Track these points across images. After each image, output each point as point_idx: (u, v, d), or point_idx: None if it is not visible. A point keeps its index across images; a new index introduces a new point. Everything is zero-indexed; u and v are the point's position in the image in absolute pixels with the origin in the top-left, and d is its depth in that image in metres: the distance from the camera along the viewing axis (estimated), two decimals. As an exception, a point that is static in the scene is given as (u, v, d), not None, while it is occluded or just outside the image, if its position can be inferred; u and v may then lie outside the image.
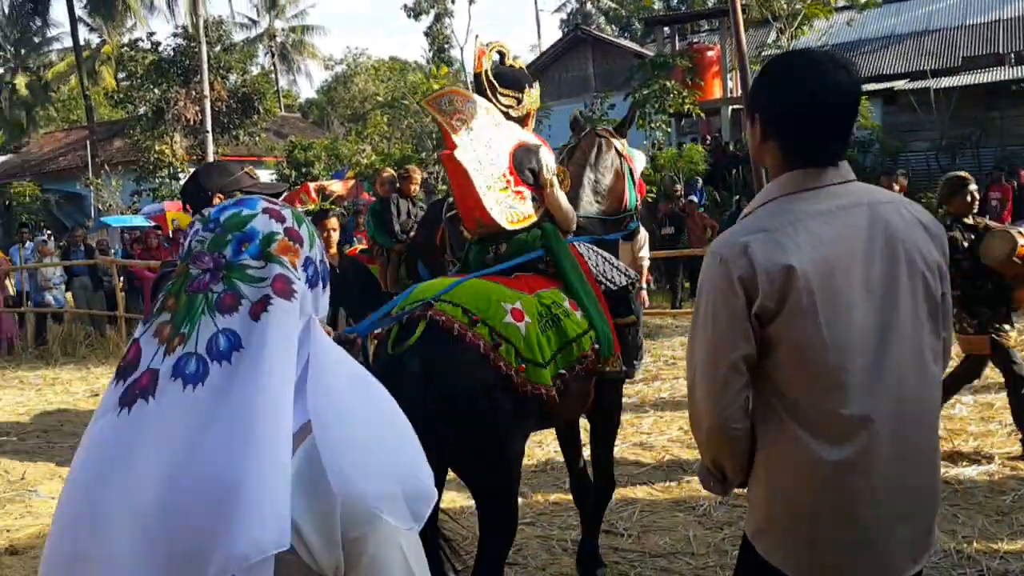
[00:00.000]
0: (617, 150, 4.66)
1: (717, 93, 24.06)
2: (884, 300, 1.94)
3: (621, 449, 6.65)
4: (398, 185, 8.90)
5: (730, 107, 23.04)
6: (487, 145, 3.99)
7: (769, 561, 2.05)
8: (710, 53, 24.43)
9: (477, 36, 4.37)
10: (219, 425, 1.26)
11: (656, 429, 7.22)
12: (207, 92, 26.60)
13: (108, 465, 1.28)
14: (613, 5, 46.71)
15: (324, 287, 1.52)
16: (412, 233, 8.35)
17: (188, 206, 3.58)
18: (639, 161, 4.87)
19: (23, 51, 43.65)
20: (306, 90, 58.52)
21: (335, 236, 6.77)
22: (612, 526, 5.13)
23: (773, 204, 2.01)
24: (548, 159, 4.14)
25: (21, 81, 42.39)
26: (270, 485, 1.23)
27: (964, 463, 5.81)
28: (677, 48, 24.81)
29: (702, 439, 2.08)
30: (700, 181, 17.52)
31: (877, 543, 1.96)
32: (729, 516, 5.19)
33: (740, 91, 4.07)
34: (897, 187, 8.10)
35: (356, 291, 6.92)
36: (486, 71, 4.15)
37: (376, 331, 3.52)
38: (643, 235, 9.34)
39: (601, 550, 4.77)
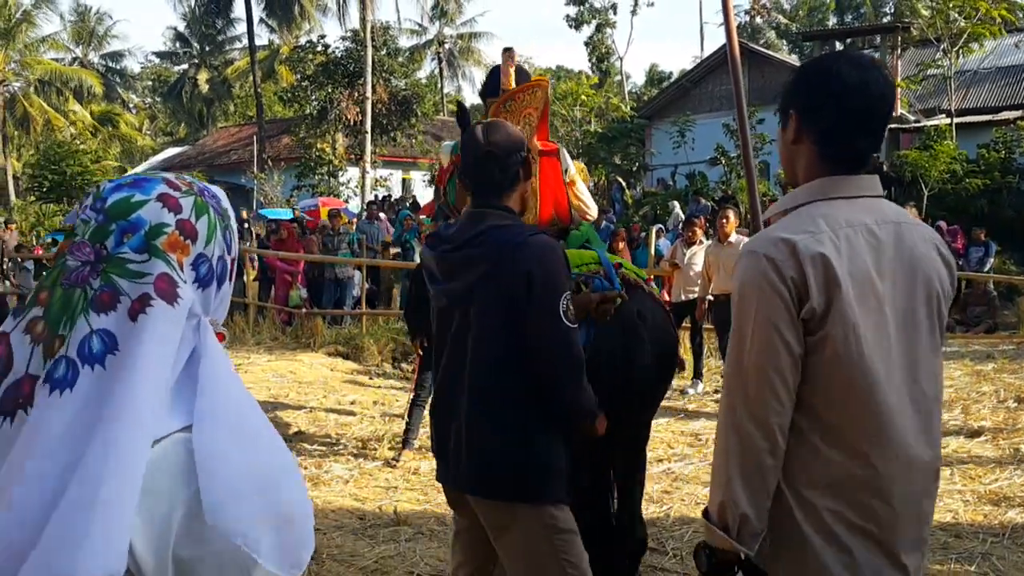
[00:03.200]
0: None
1: (876, 111, 23.22)
2: (909, 326, 1.91)
3: (697, 467, 6.46)
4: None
5: (887, 127, 22.12)
6: None
7: None
8: (872, 69, 23.68)
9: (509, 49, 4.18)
10: (77, 439, 1.16)
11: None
12: (369, 94, 27.58)
13: None
14: (784, 20, 45.69)
15: (220, 286, 1.37)
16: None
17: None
18: None
19: (207, 48, 46.43)
20: (473, 96, 59.73)
21: None
22: (661, 544, 4.98)
23: (807, 208, 1.94)
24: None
25: (203, 77, 45.16)
26: (117, 512, 1.13)
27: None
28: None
29: (738, 470, 1.87)
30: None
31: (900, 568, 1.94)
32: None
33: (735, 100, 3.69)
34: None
35: None
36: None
37: None
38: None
39: (642, 569, 4.64)
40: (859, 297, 1.83)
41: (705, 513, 1.94)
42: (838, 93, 1.93)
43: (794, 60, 30.67)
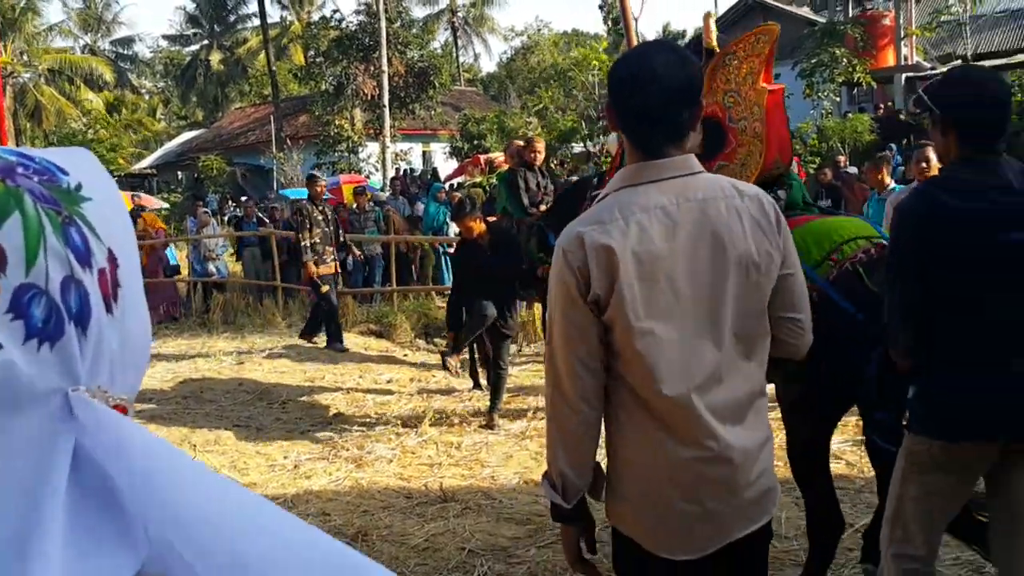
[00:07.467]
0: None
1: (891, 61, 23.40)
2: (710, 299, 2.01)
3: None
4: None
5: (903, 75, 22.14)
6: None
7: (625, 534, 2.18)
8: (885, 20, 23.95)
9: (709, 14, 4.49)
10: None
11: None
12: (385, 67, 27.39)
13: None
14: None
15: (86, 325, 0.73)
16: (542, 206, 8.27)
17: None
18: None
19: (218, 29, 46.36)
20: (489, 64, 59.29)
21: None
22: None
23: (613, 196, 2.07)
24: None
25: (216, 58, 45.14)
26: None
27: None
28: (850, 15, 24.27)
29: (557, 437, 2.12)
30: (894, 149, 16.83)
31: (719, 517, 2.09)
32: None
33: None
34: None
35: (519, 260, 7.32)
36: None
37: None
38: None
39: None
40: (643, 278, 1.96)
41: (544, 474, 2.21)
42: (619, 93, 2.06)
43: (806, 12, 30.28)
